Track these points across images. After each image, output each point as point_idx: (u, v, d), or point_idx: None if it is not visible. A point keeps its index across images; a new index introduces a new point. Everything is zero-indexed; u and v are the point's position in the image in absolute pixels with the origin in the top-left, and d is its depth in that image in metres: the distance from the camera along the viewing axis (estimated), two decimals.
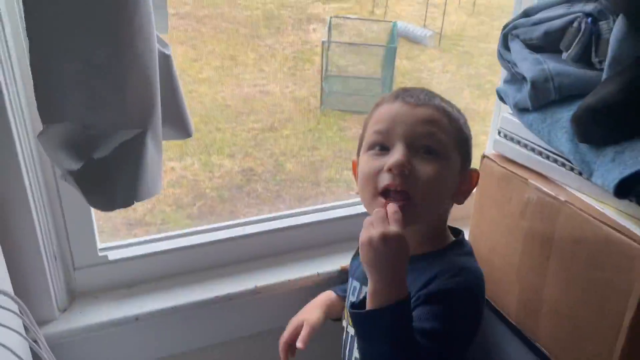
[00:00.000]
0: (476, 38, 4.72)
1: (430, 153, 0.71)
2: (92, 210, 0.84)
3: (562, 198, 0.75)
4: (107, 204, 0.61)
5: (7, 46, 0.67)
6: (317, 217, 1.04)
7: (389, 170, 0.69)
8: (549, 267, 0.78)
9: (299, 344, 0.81)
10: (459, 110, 0.79)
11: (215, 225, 0.98)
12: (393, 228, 0.64)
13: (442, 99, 0.78)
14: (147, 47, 0.60)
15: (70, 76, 0.56)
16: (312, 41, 4.48)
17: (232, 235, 0.97)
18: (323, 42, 3.73)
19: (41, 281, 0.78)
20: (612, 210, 0.70)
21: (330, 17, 4.20)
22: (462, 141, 0.76)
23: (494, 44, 0.89)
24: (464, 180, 0.77)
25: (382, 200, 0.70)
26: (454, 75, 4.03)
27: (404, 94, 0.76)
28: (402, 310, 0.63)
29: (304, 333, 0.83)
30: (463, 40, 4.67)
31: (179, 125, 0.69)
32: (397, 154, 0.69)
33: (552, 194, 0.77)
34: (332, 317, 0.90)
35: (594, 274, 0.71)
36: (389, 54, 3.68)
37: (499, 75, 1.01)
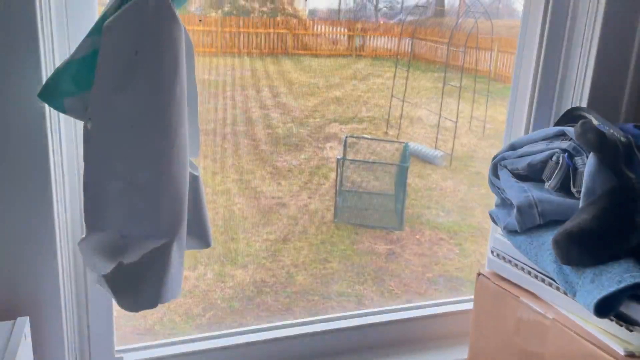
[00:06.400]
0: (486, 160, 4.90)
1: None
2: (114, 314, 0.91)
3: (550, 316, 0.80)
4: (134, 305, 0.68)
5: (62, 169, 0.79)
6: (325, 327, 1.08)
7: None
8: None
9: None
10: None
11: (229, 331, 1.03)
12: None
13: None
14: (181, 170, 0.70)
15: (115, 193, 0.66)
16: (328, 157, 4.70)
17: (245, 341, 1.02)
18: (338, 159, 3.92)
19: None
20: (595, 329, 0.75)
21: (346, 137, 4.45)
22: None
23: None
24: None
25: None
26: (466, 194, 4.16)
27: None
28: None
29: None
30: (474, 162, 4.86)
31: (200, 237, 0.78)
32: None
33: (542, 312, 0.82)
34: None
35: None
36: (402, 172, 3.84)
37: None
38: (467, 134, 5.61)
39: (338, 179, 3.85)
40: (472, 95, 5.74)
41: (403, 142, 4.43)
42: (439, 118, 5.17)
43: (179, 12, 0.70)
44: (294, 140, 5.04)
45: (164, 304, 0.71)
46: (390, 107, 5.71)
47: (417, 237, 3.47)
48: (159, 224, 0.68)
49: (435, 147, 4.92)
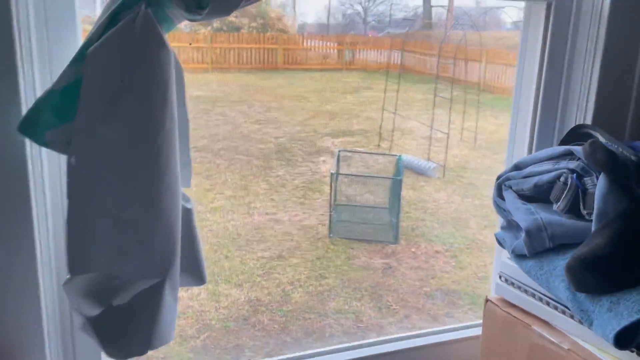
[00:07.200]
0: (479, 170, 4.92)
1: None
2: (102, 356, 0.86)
3: (565, 346, 0.77)
4: (122, 352, 0.64)
5: (45, 206, 0.75)
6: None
7: None
8: None
9: None
10: None
11: None
12: None
13: None
14: (173, 203, 0.66)
15: (101, 231, 0.62)
16: (321, 172, 4.68)
17: None
18: (332, 174, 3.89)
19: None
20: None
21: (339, 151, 4.44)
22: None
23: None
24: None
25: None
26: (459, 205, 4.14)
27: None
28: None
29: None
30: (466, 172, 4.86)
31: (194, 273, 0.74)
32: None
33: (556, 341, 0.78)
34: None
35: None
36: (395, 185, 3.81)
37: None
38: (458, 145, 5.62)
39: (332, 193, 3.82)
40: (463, 106, 5.76)
41: (396, 155, 4.42)
42: (431, 130, 5.17)
43: (166, 32, 0.66)
44: (287, 155, 5.03)
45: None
46: (382, 120, 5.72)
47: (413, 250, 3.44)
48: (149, 262, 0.64)
49: (428, 159, 4.92)
